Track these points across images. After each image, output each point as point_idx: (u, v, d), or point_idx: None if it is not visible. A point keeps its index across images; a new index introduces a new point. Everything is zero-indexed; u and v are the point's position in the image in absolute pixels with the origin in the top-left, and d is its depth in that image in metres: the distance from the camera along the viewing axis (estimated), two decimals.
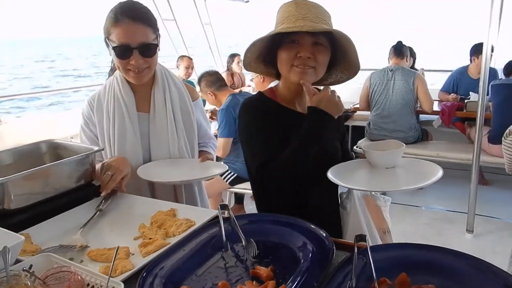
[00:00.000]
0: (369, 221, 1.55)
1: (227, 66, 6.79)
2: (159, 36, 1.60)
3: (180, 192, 1.68)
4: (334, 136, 1.60)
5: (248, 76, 6.81)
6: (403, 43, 4.53)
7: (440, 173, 1.25)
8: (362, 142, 4.45)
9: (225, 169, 1.70)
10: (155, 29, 1.56)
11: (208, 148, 1.87)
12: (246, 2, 7.91)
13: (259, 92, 1.57)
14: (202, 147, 1.86)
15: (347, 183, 1.29)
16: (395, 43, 4.53)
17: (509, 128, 1.88)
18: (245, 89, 6.31)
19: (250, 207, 4.23)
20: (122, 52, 1.51)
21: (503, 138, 1.91)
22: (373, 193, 1.60)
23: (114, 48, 1.51)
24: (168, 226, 1.23)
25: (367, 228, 1.53)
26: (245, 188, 3.59)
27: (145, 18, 1.52)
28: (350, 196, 1.57)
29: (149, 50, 1.53)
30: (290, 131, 1.41)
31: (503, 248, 3.33)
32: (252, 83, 5.95)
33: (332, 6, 1.42)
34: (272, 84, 4.18)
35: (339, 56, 1.47)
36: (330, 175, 1.31)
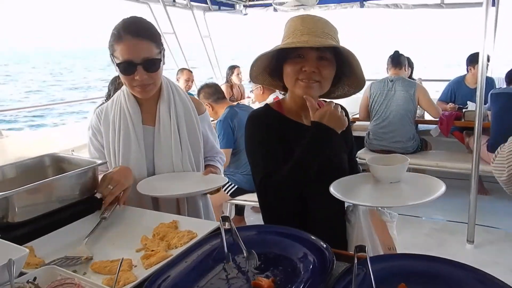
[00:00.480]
0: (372, 236, 1.54)
1: (227, 78, 6.82)
2: (164, 50, 1.62)
3: (183, 205, 1.69)
4: (340, 149, 1.60)
5: (248, 87, 6.86)
6: (400, 52, 4.57)
7: (443, 188, 1.26)
8: (361, 152, 4.47)
9: (223, 182, 1.71)
10: (159, 44, 1.58)
11: (215, 162, 1.87)
12: (245, 14, 7.99)
13: (266, 104, 1.59)
14: (209, 160, 1.86)
15: (351, 198, 1.30)
16: (392, 53, 4.57)
17: (497, 150, 1.87)
18: (244, 100, 6.35)
19: (251, 218, 4.24)
20: (126, 68, 1.53)
21: (491, 159, 1.90)
22: (379, 208, 1.60)
23: (118, 64, 1.54)
24: (170, 238, 1.24)
25: (371, 243, 1.52)
26: (246, 199, 3.60)
27: (148, 34, 1.54)
28: (355, 209, 1.56)
29: (153, 65, 1.56)
30: (296, 144, 1.42)
31: (504, 259, 3.34)
32: (251, 95, 5.98)
33: (327, 17, 1.44)
34: (272, 96, 4.24)
35: (345, 70, 1.49)
36: (332, 190, 1.31)
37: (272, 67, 1.52)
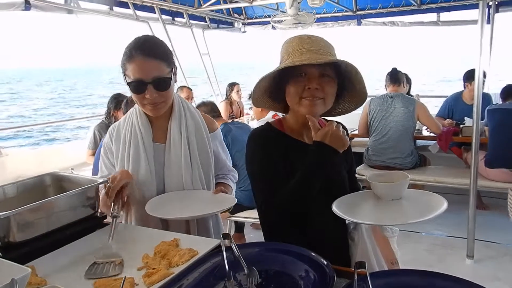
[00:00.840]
0: (377, 252, 1.54)
1: (226, 95, 6.86)
2: (175, 69, 1.65)
3: (192, 224, 1.67)
4: (342, 167, 1.61)
5: (247, 105, 6.90)
6: (398, 69, 4.62)
7: (444, 205, 1.26)
8: (360, 168, 4.47)
9: (233, 203, 1.60)
10: (170, 63, 1.60)
11: (227, 180, 1.86)
12: (243, 32, 8.08)
13: (267, 123, 1.59)
14: (221, 178, 1.85)
15: (353, 217, 1.29)
16: (390, 70, 4.62)
17: None
18: (244, 117, 6.39)
19: (251, 235, 4.22)
20: (137, 87, 1.56)
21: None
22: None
23: (129, 83, 1.56)
24: (171, 256, 1.24)
25: (375, 259, 1.52)
26: (246, 216, 3.60)
27: (159, 53, 1.56)
28: (357, 227, 1.56)
29: (163, 84, 1.57)
30: (297, 162, 1.44)
31: (505, 274, 3.33)
32: (251, 112, 6.03)
33: (325, 35, 1.47)
34: (271, 113, 4.25)
35: (346, 86, 1.50)
36: (335, 208, 1.32)
37: (272, 89, 1.53)
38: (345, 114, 1.62)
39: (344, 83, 1.49)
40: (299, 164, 1.42)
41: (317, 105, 1.43)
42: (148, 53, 1.54)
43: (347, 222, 1.59)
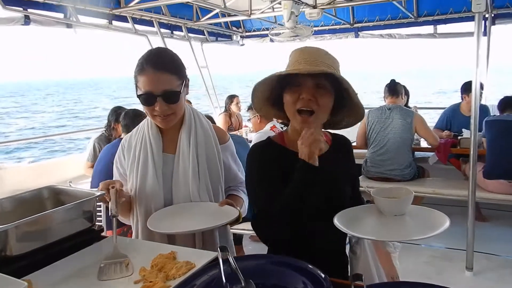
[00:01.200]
0: (378, 267, 1.54)
1: (226, 107, 6.88)
2: (188, 80, 1.67)
3: (198, 236, 1.66)
4: (342, 183, 1.59)
5: (246, 117, 6.92)
6: (396, 81, 4.65)
7: (447, 223, 1.28)
8: (359, 180, 4.46)
9: (234, 216, 1.56)
10: (181, 76, 1.62)
11: (238, 192, 1.84)
12: (242, 45, 8.13)
13: (268, 137, 1.60)
14: (232, 190, 1.84)
15: (355, 231, 1.29)
16: (388, 81, 4.65)
17: None
18: (242, 130, 6.40)
19: (249, 247, 4.20)
20: (147, 99, 1.58)
21: None
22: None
23: (139, 95, 1.59)
24: (169, 269, 1.24)
25: (377, 274, 1.52)
26: (244, 228, 3.58)
27: (170, 66, 1.59)
28: (360, 241, 1.56)
29: (173, 97, 1.59)
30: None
31: (504, 286, 3.32)
32: (249, 124, 6.04)
33: (322, 47, 1.49)
34: (269, 125, 4.28)
35: (346, 100, 1.50)
36: (337, 222, 1.32)
37: (274, 97, 1.54)
38: (349, 128, 1.62)
39: (343, 95, 1.48)
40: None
41: (310, 121, 1.43)
42: (159, 66, 1.56)
43: (348, 235, 1.57)
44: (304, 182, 1.36)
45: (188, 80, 1.68)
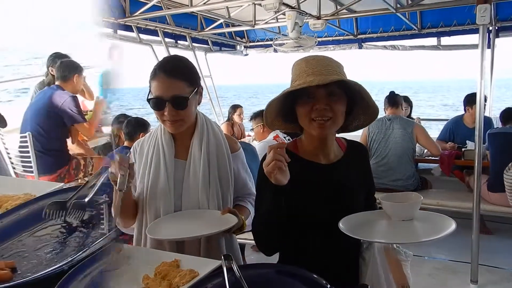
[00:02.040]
0: (388, 275, 1.51)
1: (228, 116, 6.91)
2: (201, 89, 1.69)
3: (204, 244, 1.65)
4: (353, 186, 1.58)
5: (248, 126, 6.93)
6: (396, 92, 4.67)
7: (453, 226, 1.27)
8: None
9: (231, 224, 1.54)
10: (193, 83, 1.64)
11: (246, 203, 1.81)
12: (245, 55, 8.17)
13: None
14: (239, 201, 1.82)
15: (358, 234, 1.28)
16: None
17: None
18: (245, 139, 6.41)
19: (252, 257, 4.18)
20: (156, 104, 1.60)
21: (505, 171, 1.93)
22: (395, 246, 1.59)
23: (149, 100, 1.61)
24: (172, 277, 1.23)
25: (386, 282, 1.49)
26: (246, 238, 3.56)
27: (181, 73, 1.61)
28: (370, 247, 1.53)
29: (182, 103, 1.60)
30: (311, 184, 1.46)
31: None
32: (252, 133, 6.04)
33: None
34: (272, 134, 4.27)
35: (357, 100, 1.51)
36: (341, 225, 1.31)
37: (285, 111, 1.54)
38: (361, 128, 1.63)
39: (355, 97, 1.50)
40: (313, 186, 1.45)
41: (327, 126, 1.44)
42: (170, 72, 1.59)
43: (361, 241, 1.54)
44: (273, 203, 1.38)
45: (202, 89, 1.70)
